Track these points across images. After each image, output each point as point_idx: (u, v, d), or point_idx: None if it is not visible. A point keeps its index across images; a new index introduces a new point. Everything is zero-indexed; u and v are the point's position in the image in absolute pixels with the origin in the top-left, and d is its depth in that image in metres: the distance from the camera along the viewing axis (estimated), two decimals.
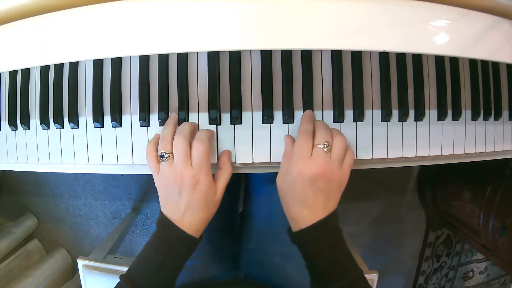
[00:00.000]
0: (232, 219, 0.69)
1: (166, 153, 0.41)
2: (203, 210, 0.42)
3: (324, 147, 0.41)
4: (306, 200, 0.40)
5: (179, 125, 0.44)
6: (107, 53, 0.39)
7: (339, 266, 0.41)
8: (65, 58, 0.39)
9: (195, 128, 0.45)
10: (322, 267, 0.41)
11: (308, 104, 0.46)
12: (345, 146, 0.42)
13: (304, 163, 0.40)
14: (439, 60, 0.49)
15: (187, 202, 0.41)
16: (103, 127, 0.47)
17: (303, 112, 0.46)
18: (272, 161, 0.46)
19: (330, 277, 0.41)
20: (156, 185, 0.43)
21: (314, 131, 0.43)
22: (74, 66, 0.48)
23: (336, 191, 0.42)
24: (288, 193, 0.42)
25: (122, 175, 1.26)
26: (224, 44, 0.37)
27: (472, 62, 0.51)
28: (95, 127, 0.47)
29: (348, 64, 0.47)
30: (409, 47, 0.38)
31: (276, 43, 0.36)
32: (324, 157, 0.40)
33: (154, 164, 0.43)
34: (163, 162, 0.41)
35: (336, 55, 0.46)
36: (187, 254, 0.43)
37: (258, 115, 0.46)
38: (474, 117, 0.51)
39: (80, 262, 0.70)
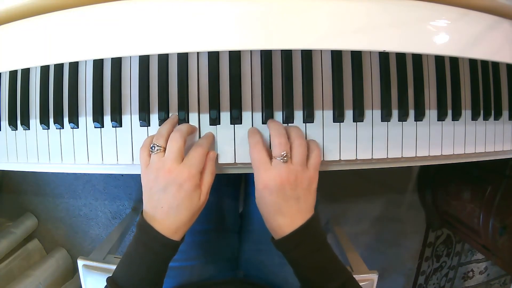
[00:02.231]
0: (232, 219, 0.69)
1: (157, 145, 0.41)
2: (185, 211, 0.40)
3: (281, 159, 0.40)
4: (279, 209, 0.40)
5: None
6: (107, 53, 0.39)
7: (324, 271, 0.41)
8: (65, 58, 0.39)
9: (194, 131, 0.45)
10: (307, 273, 0.41)
11: (308, 104, 0.46)
12: (305, 150, 0.42)
13: (266, 176, 0.40)
14: (439, 60, 0.49)
15: (170, 200, 0.40)
16: (103, 127, 0.47)
17: (303, 112, 0.46)
18: None
19: (316, 282, 0.41)
20: (141, 180, 0.42)
21: (270, 135, 0.43)
22: (74, 66, 0.48)
23: (307, 194, 0.41)
24: (261, 206, 0.42)
25: (122, 175, 1.26)
26: (224, 44, 0.37)
27: (472, 62, 0.51)
28: (95, 127, 0.47)
29: (348, 64, 0.47)
30: (409, 47, 0.38)
31: (276, 43, 0.36)
32: (285, 167, 0.40)
33: (145, 156, 0.42)
34: (153, 154, 0.41)
35: (336, 55, 0.46)
36: (167, 257, 0.42)
37: (258, 115, 0.46)
38: (474, 117, 0.51)
39: (80, 262, 0.70)
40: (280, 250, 0.42)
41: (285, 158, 0.40)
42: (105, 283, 0.41)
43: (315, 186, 0.43)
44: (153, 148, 0.41)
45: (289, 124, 0.46)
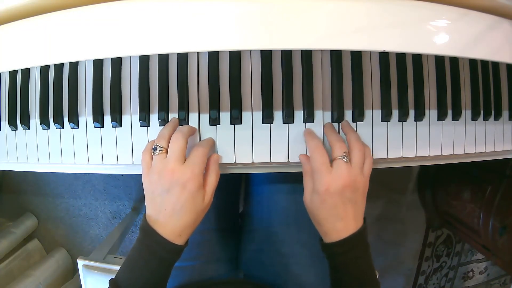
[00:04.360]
0: (232, 219, 0.69)
1: (159, 146, 0.41)
2: (189, 212, 0.40)
3: (343, 157, 0.41)
4: (338, 214, 0.41)
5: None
6: (107, 53, 0.39)
7: (365, 277, 0.42)
8: (65, 58, 0.39)
9: (195, 132, 0.45)
10: (349, 277, 0.42)
11: (308, 104, 0.46)
12: (363, 154, 0.43)
13: (329, 178, 0.40)
14: (439, 60, 0.49)
15: (174, 202, 0.39)
16: (103, 127, 0.47)
17: (303, 112, 0.46)
18: (272, 161, 0.46)
19: (354, 287, 0.42)
20: (143, 183, 0.42)
21: (329, 140, 0.44)
22: (74, 66, 0.48)
23: (362, 198, 0.43)
24: (319, 210, 0.42)
25: (122, 175, 1.26)
26: (224, 44, 0.37)
27: (472, 62, 0.51)
28: (95, 127, 0.47)
29: (348, 64, 0.47)
30: (409, 47, 0.38)
31: (276, 43, 0.36)
32: (347, 168, 0.41)
33: (147, 159, 0.42)
34: (155, 155, 0.41)
35: (336, 55, 0.46)
36: (171, 262, 0.41)
37: (258, 115, 0.46)
38: (474, 117, 0.51)
39: (80, 262, 0.70)
40: (329, 253, 0.43)
41: (346, 159, 0.41)
42: (106, 284, 0.41)
43: (366, 192, 0.44)
44: (155, 149, 0.41)
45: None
